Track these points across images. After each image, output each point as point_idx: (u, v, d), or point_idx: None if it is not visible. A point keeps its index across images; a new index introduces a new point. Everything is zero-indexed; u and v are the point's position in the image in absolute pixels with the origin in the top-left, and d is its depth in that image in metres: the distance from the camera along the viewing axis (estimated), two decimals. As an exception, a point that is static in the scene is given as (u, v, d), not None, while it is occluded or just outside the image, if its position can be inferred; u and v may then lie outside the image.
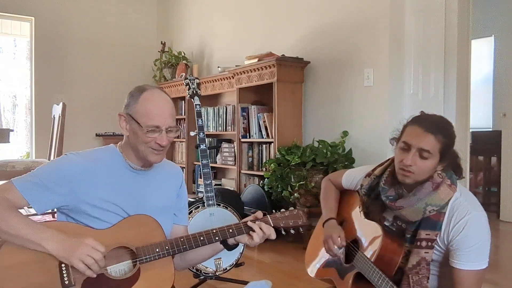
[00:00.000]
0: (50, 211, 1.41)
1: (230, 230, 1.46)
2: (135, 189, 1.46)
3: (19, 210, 1.33)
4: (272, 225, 1.48)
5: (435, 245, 1.50)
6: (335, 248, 1.68)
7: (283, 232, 1.53)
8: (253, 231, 1.45)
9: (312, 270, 1.86)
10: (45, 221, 1.39)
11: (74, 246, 1.26)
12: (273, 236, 1.46)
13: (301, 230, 1.54)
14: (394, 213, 1.56)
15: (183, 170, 5.15)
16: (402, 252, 1.52)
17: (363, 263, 1.55)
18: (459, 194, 1.50)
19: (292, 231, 1.53)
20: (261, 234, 1.44)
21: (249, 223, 1.46)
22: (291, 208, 1.56)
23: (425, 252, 1.48)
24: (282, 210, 1.55)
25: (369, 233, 1.61)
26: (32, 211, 1.59)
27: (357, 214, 1.74)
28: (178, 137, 5.36)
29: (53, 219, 1.47)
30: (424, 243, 1.48)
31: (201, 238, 1.43)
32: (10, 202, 1.29)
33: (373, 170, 1.69)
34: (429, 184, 1.47)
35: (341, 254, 1.69)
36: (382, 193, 1.57)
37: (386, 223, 1.62)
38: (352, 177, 1.81)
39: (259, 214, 1.50)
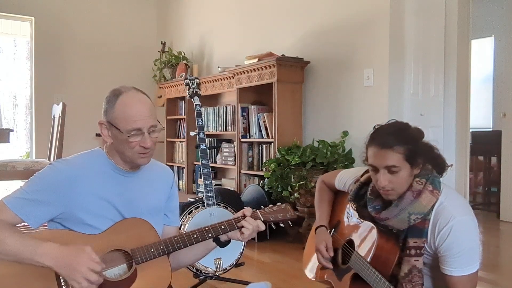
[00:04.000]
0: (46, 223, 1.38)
1: (222, 227, 1.49)
2: (125, 191, 1.46)
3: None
4: (262, 220, 1.53)
5: (424, 252, 1.49)
6: (324, 259, 1.70)
7: (273, 226, 1.60)
8: (243, 226, 1.49)
9: (310, 273, 1.86)
10: (36, 230, 1.37)
11: (73, 262, 1.23)
12: (261, 227, 1.52)
13: (290, 223, 1.60)
14: (381, 223, 1.56)
15: (183, 170, 5.16)
16: (398, 250, 1.52)
17: (359, 263, 1.55)
18: (443, 198, 1.47)
19: (282, 225, 1.60)
20: (250, 227, 1.48)
21: (240, 223, 1.50)
22: (279, 203, 1.63)
23: (415, 260, 1.48)
24: (270, 205, 1.61)
25: (364, 233, 1.62)
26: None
27: (352, 215, 1.74)
28: (178, 137, 5.37)
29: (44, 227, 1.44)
30: (413, 251, 1.48)
31: (195, 236, 1.45)
32: (3, 222, 1.28)
33: (362, 175, 1.69)
34: (410, 193, 1.46)
35: (330, 265, 1.70)
36: (368, 203, 1.58)
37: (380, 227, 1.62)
38: (345, 180, 1.82)
39: (248, 211, 1.54)
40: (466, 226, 1.43)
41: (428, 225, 1.46)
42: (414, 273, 1.48)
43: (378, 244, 1.51)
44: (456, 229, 1.41)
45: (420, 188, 1.46)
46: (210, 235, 1.47)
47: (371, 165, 1.50)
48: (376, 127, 1.56)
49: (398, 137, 1.46)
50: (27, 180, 1.39)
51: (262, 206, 1.61)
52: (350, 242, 1.68)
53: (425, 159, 1.50)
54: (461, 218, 1.43)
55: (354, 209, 1.70)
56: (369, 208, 1.58)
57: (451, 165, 1.57)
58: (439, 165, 1.54)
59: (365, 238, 1.59)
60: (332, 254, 1.70)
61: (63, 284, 1.28)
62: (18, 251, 1.24)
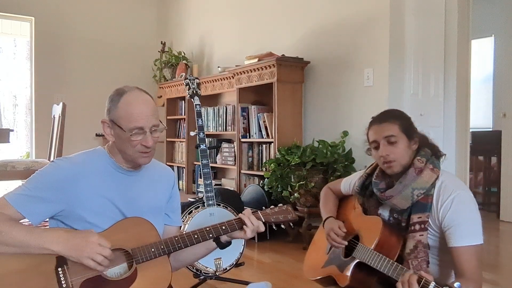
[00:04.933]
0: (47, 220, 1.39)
1: (223, 227, 1.49)
2: (126, 190, 1.46)
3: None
4: (263, 221, 1.53)
5: (428, 228, 1.55)
6: (337, 238, 1.72)
7: (274, 227, 1.60)
8: (245, 224, 1.50)
9: (311, 273, 1.86)
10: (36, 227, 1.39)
11: (81, 244, 1.27)
12: (261, 228, 1.52)
13: (291, 224, 1.64)
14: (387, 204, 1.63)
15: (183, 170, 5.16)
16: (400, 246, 1.56)
17: (364, 252, 1.58)
18: (444, 177, 1.57)
19: (283, 226, 1.60)
20: (251, 226, 1.49)
21: (241, 215, 1.51)
22: (280, 204, 1.63)
23: (420, 235, 1.54)
24: (272, 206, 1.61)
25: (368, 226, 1.66)
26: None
27: (356, 212, 1.80)
28: (178, 137, 5.38)
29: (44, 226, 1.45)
30: (417, 226, 1.54)
31: (195, 236, 1.45)
32: (6, 216, 1.29)
33: (365, 170, 1.80)
34: (412, 170, 1.56)
35: (345, 244, 1.72)
36: (374, 187, 1.67)
37: (384, 219, 1.67)
38: (349, 182, 1.91)
39: (248, 212, 1.54)
40: (466, 198, 1.52)
41: (431, 200, 1.54)
42: (420, 248, 1.52)
43: (380, 237, 1.56)
44: (458, 201, 1.50)
45: (421, 166, 1.56)
46: (211, 235, 1.47)
47: (373, 142, 1.63)
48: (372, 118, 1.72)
49: (392, 114, 1.67)
50: (29, 177, 1.39)
51: (264, 207, 1.60)
52: (355, 238, 1.71)
53: (421, 141, 1.63)
54: (462, 192, 1.53)
55: (360, 203, 1.77)
56: (374, 190, 1.66)
57: (445, 154, 1.69)
58: (435, 152, 1.65)
59: (370, 231, 1.63)
60: (345, 230, 1.73)
61: (62, 281, 1.28)
62: (25, 241, 1.25)
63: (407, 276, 1.26)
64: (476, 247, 1.46)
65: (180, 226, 1.70)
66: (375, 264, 1.51)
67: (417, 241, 1.53)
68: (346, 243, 1.71)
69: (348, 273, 1.61)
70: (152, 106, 1.44)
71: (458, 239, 1.46)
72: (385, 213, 1.67)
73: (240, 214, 1.53)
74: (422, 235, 1.53)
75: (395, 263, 1.46)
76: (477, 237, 1.47)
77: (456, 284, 1.15)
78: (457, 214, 1.48)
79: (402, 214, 1.60)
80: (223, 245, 1.55)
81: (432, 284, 1.19)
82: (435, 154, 1.64)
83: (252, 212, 1.54)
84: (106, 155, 1.47)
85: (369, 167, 1.79)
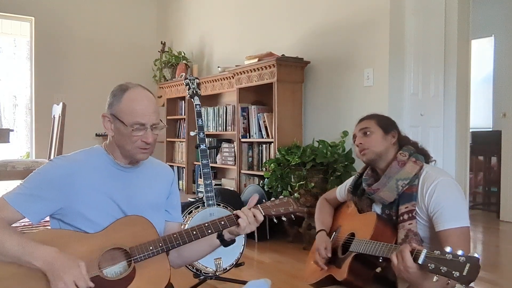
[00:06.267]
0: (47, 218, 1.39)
1: (222, 222, 1.47)
2: (125, 186, 1.47)
3: (16, 222, 1.33)
4: (263, 214, 1.50)
5: (418, 218, 1.59)
6: (320, 259, 1.76)
7: (275, 220, 1.56)
8: (239, 217, 1.46)
9: (312, 278, 1.87)
10: (37, 230, 1.38)
11: (65, 266, 1.24)
12: (259, 217, 1.47)
13: (293, 217, 1.60)
14: (376, 198, 1.69)
15: (183, 170, 5.16)
16: (395, 238, 1.60)
17: (359, 244, 1.61)
18: (428, 168, 1.64)
19: (284, 219, 1.56)
20: (245, 217, 1.45)
21: (235, 211, 1.48)
22: (281, 197, 1.61)
23: (409, 224, 1.59)
24: (272, 199, 1.58)
25: (363, 222, 1.70)
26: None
27: (351, 211, 1.86)
28: (178, 137, 5.38)
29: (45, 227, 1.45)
30: (406, 216, 1.60)
31: (194, 232, 1.44)
32: (3, 222, 1.29)
33: (358, 171, 1.88)
34: (395, 163, 1.65)
35: (325, 266, 1.75)
36: (364, 182, 1.74)
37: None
38: (344, 186, 1.96)
39: (254, 199, 1.53)
40: (450, 184, 1.57)
41: (416, 189, 1.60)
42: (411, 236, 1.56)
43: (375, 230, 1.60)
44: (441, 185, 1.55)
45: (404, 160, 1.64)
46: (209, 231, 1.46)
47: (353, 136, 1.76)
48: None
49: (372, 114, 1.77)
50: (27, 176, 1.40)
51: (264, 200, 1.57)
52: (351, 235, 1.74)
53: (412, 144, 1.72)
54: (444, 178, 1.58)
55: (354, 203, 1.83)
56: (363, 185, 1.75)
57: (435, 160, 1.76)
58: (425, 156, 1.71)
59: (364, 227, 1.66)
60: (330, 254, 1.76)
61: None
62: (17, 253, 1.25)
63: (400, 249, 1.29)
64: (462, 229, 1.48)
65: (181, 223, 1.69)
66: (372, 250, 1.52)
67: (407, 230, 1.57)
68: (326, 268, 1.74)
69: (346, 267, 1.62)
70: (154, 104, 1.46)
71: (444, 222, 1.50)
72: (377, 210, 1.72)
73: (237, 211, 1.50)
74: (411, 223, 1.58)
75: (389, 244, 1.48)
76: (462, 219, 1.50)
77: (447, 248, 1.17)
78: (441, 199, 1.52)
79: (392, 208, 1.66)
80: (227, 243, 1.53)
81: (424, 251, 1.22)
82: (425, 157, 1.70)
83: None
84: (103, 152, 1.48)
85: (362, 168, 1.86)
